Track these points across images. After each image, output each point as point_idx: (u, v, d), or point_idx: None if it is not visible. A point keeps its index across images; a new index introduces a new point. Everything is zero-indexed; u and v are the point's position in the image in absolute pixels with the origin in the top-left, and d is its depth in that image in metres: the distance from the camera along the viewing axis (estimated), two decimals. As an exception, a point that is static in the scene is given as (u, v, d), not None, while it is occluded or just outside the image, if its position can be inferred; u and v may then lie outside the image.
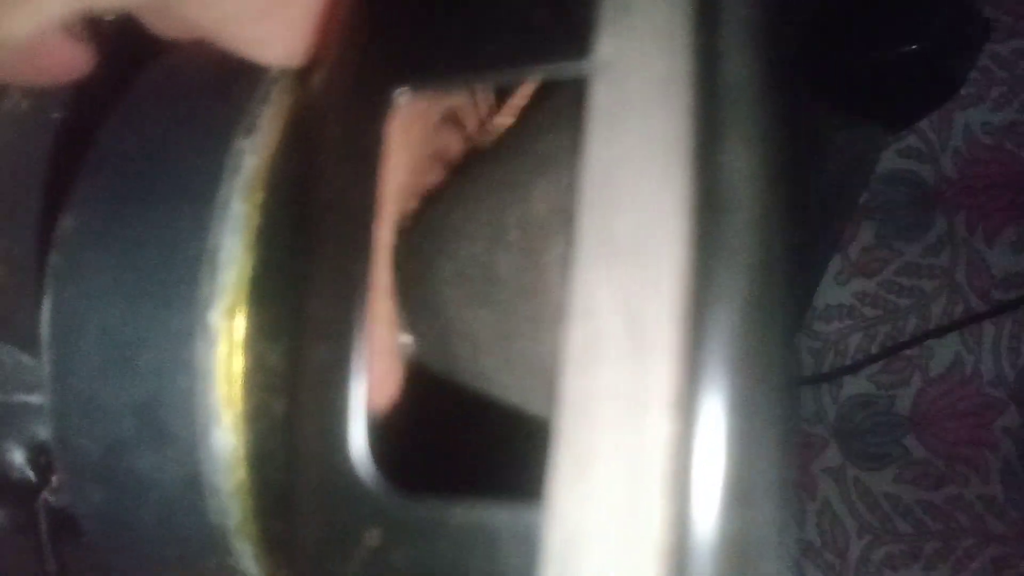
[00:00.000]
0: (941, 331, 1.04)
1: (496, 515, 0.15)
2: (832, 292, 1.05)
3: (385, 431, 0.17)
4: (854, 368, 1.05)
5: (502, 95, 0.25)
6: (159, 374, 0.19)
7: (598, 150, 0.13)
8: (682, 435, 0.12)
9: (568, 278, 0.13)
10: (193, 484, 0.20)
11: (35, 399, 0.33)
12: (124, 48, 0.28)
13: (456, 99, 0.23)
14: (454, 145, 0.24)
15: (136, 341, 0.19)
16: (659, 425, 0.12)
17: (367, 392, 0.16)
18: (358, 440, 0.16)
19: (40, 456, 0.33)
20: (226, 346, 0.19)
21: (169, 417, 0.19)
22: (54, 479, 0.32)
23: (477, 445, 0.19)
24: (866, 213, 1.04)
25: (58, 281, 0.20)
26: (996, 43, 1.02)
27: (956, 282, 1.05)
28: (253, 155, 0.20)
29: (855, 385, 1.06)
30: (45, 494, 0.32)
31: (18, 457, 0.33)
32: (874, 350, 1.05)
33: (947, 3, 0.53)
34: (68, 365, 0.20)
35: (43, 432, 0.33)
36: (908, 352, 1.05)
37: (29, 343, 0.32)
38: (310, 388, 0.17)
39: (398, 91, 0.17)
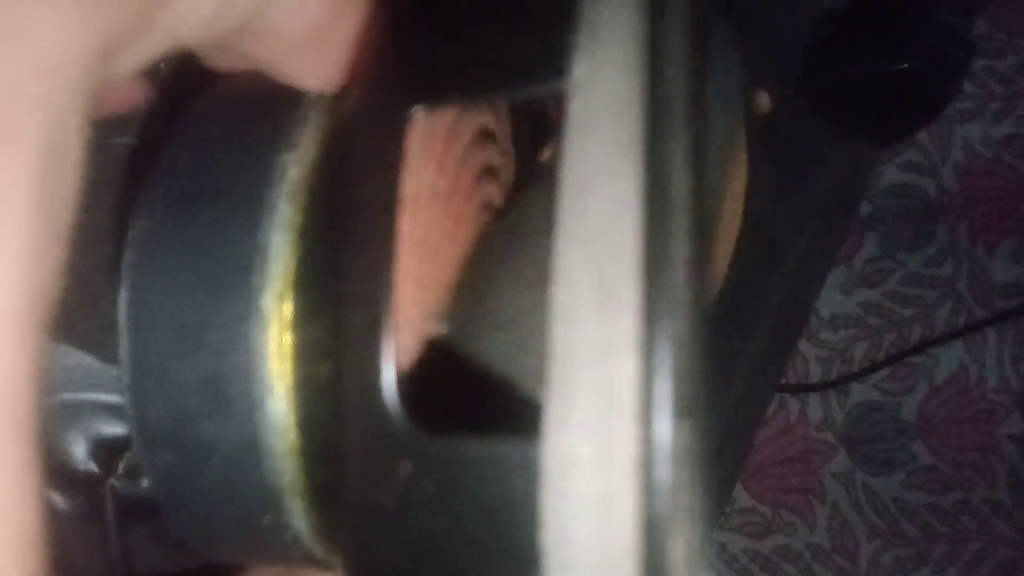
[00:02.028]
0: (945, 339, 1.06)
1: (504, 447, 0.18)
2: (838, 302, 1.08)
3: (416, 385, 0.20)
4: (861, 376, 1.07)
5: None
6: (220, 352, 0.23)
7: (574, 151, 0.17)
8: (643, 371, 0.16)
9: (552, 254, 0.17)
10: (250, 447, 0.22)
11: (98, 397, 0.35)
12: (178, 82, 0.32)
13: (484, 117, 0.26)
14: (495, 159, 0.27)
15: (200, 324, 0.23)
16: (625, 365, 0.16)
17: (395, 351, 0.20)
18: (389, 388, 0.19)
19: (101, 450, 0.36)
20: (277, 326, 0.22)
21: (229, 389, 0.22)
22: (120, 467, 0.35)
23: (490, 394, 0.22)
24: (870, 225, 1.07)
25: (133, 274, 0.23)
26: (993, 59, 1.05)
27: (959, 291, 1.08)
28: (296, 166, 0.23)
29: (862, 392, 1.08)
30: (112, 481, 0.35)
31: (81, 451, 0.36)
32: (880, 358, 1.07)
33: (935, 24, 0.55)
34: (143, 346, 0.23)
35: (105, 428, 0.36)
36: (913, 360, 1.07)
37: (93, 345, 0.34)
38: (350, 350, 0.20)
39: (414, 109, 0.20)
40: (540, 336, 0.17)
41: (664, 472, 0.15)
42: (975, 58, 0.56)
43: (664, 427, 0.15)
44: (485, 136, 0.27)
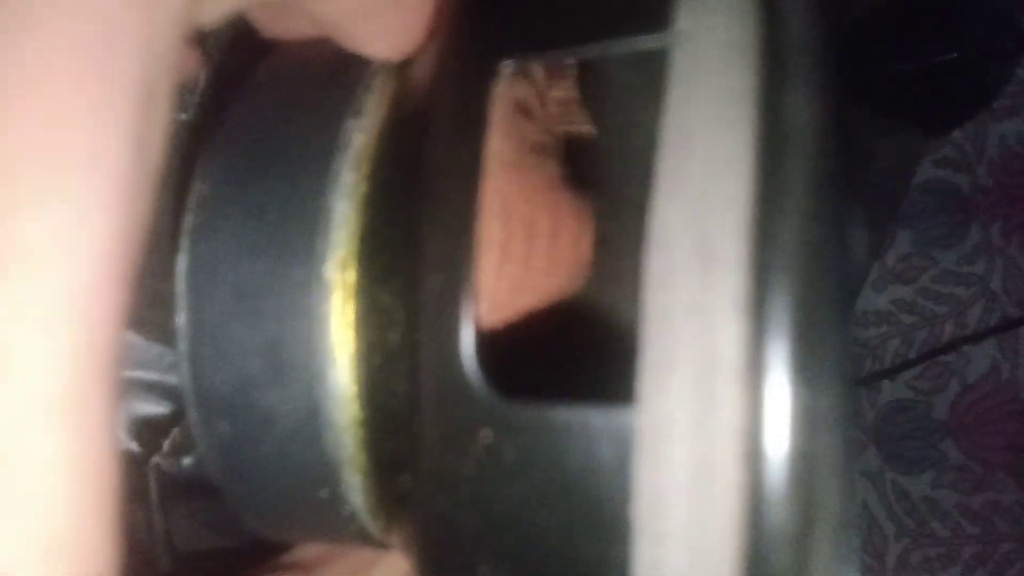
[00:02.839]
0: (977, 337, 1.05)
1: (592, 415, 0.17)
2: (870, 299, 1.07)
3: (496, 348, 0.20)
4: (892, 373, 1.06)
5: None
6: (282, 320, 0.22)
7: (676, 107, 0.16)
8: (752, 333, 0.15)
9: (649, 213, 0.16)
10: (311, 418, 0.22)
11: (140, 375, 0.35)
12: (232, 56, 0.31)
13: (521, 90, 0.26)
14: (530, 132, 0.27)
15: (261, 291, 0.22)
16: (729, 328, 0.15)
17: (477, 314, 0.19)
18: (468, 352, 0.19)
19: (144, 429, 0.36)
20: (340, 294, 0.22)
21: (290, 358, 0.22)
22: (165, 445, 0.35)
23: (575, 360, 0.21)
24: (903, 222, 1.06)
25: (193, 239, 0.23)
26: (1030, 56, 1.04)
27: (992, 290, 1.07)
28: (360, 133, 0.23)
29: (893, 390, 1.07)
30: (157, 459, 0.35)
31: (120, 430, 0.36)
32: (912, 356, 1.06)
33: (985, 14, 0.55)
34: (202, 312, 0.23)
35: (147, 407, 0.36)
36: (945, 358, 1.06)
37: (136, 322, 0.34)
38: (426, 315, 0.20)
39: (504, 63, 0.20)
40: (632, 301, 0.17)
41: (778, 441, 0.15)
42: None
43: (779, 394, 0.15)
44: (522, 111, 0.26)
